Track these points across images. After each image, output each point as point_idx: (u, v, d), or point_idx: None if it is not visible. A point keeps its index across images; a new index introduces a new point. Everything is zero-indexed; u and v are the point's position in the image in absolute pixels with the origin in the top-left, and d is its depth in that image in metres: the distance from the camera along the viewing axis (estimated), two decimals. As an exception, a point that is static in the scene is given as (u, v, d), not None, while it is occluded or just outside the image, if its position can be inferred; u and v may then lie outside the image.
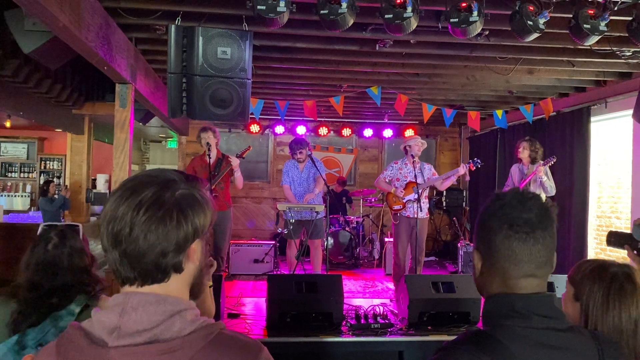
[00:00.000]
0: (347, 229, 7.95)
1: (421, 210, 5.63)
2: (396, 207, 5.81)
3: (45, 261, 1.94)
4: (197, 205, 0.99)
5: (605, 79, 6.08)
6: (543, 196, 1.33)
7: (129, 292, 0.97)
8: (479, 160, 5.78)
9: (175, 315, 0.94)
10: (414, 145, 5.74)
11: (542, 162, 5.71)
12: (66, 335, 0.95)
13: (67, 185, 8.31)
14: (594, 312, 1.52)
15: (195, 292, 1.06)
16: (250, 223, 9.64)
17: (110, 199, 0.98)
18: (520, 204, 1.14)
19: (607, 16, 3.65)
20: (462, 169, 5.61)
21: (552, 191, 5.68)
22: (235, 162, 5.51)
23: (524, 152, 5.83)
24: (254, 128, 9.39)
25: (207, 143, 5.44)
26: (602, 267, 1.58)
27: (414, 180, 5.63)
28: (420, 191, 5.59)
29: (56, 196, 7.49)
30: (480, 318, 1.24)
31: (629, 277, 1.55)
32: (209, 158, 5.44)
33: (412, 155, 5.72)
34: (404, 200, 5.72)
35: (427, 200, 5.87)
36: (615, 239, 2.27)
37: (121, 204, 0.94)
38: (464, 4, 3.61)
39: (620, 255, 6.44)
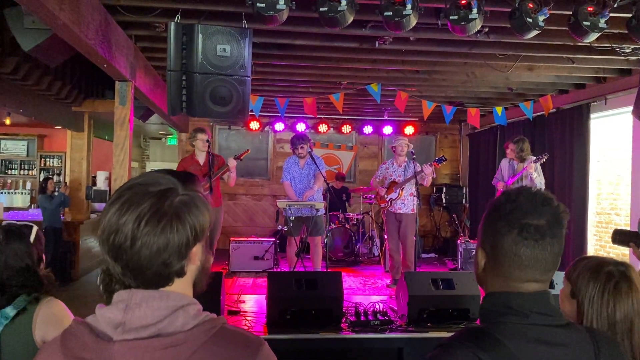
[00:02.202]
0: (347, 226, 7.96)
1: (404, 206, 6.02)
2: (382, 205, 6.26)
3: None
4: (196, 210, 1.00)
5: (605, 75, 6.08)
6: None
7: (133, 289, 0.98)
8: (443, 157, 6.20)
9: (178, 310, 0.95)
10: (397, 145, 6.16)
11: (533, 158, 5.85)
12: (70, 330, 0.97)
13: (66, 183, 8.30)
14: (589, 310, 1.52)
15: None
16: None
17: (107, 210, 0.97)
18: (533, 209, 1.12)
19: (606, 13, 3.65)
20: (427, 168, 5.91)
21: (542, 187, 5.78)
22: (232, 163, 5.73)
23: (511, 153, 6.11)
24: (254, 125, 9.39)
25: (207, 140, 5.65)
26: (599, 265, 1.58)
27: (396, 180, 6.11)
28: (398, 190, 6.01)
29: (56, 193, 7.48)
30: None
31: (625, 275, 1.55)
32: (210, 155, 5.65)
33: (397, 154, 6.17)
34: (387, 199, 6.13)
35: (412, 197, 6.06)
36: (620, 237, 2.27)
37: (121, 217, 0.94)
38: (463, 1, 3.60)
39: (619, 252, 6.45)
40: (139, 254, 0.94)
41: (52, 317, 1.89)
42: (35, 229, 2.10)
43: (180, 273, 0.99)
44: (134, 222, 0.94)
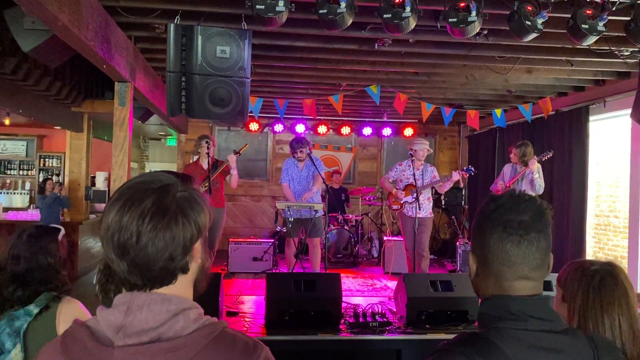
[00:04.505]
0: (345, 227, 7.97)
1: (422, 210, 5.86)
2: (394, 207, 6.11)
3: (15, 247, 2.02)
4: (197, 205, 1.01)
5: (604, 78, 6.09)
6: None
7: (135, 292, 0.97)
8: (472, 168, 6.09)
9: (179, 315, 0.95)
10: (419, 150, 5.99)
11: (536, 157, 5.82)
12: (71, 333, 0.96)
13: (61, 183, 8.28)
14: (579, 312, 1.49)
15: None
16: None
17: (109, 210, 0.97)
18: (515, 206, 1.14)
19: (605, 16, 3.66)
20: (456, 176, 5.86)
21: (541, 190, 5.83)
22: (231, 158, 5.75)
23: (514, 158, 6.06)
24: (253, 126, 9.40)
25: (206, 142, 5.74)
26: (584, 266, 1.56)
27: (414, 183, 5.87)
28: (416, 194, 5.83)
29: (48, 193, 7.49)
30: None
31: (611, 274, 1.52)
32: (208, 156, 5.74)
33: (417, 158, 5.96)
34: (402, 202, 6.01)
35: (429, 201, 6.03)
36: None
37: (124, 215, 0.95)
38: (462, 4, 3.61)
39: (618, 255, 6.45)
40: (146, 249, 0.94)
41: (74, 315, 1.92)
42: (62, 231, 2.19)
43: (185, 269, 1.00)
44: (138, 218, 0.94)
